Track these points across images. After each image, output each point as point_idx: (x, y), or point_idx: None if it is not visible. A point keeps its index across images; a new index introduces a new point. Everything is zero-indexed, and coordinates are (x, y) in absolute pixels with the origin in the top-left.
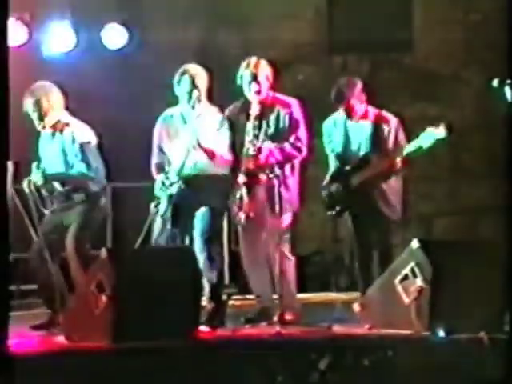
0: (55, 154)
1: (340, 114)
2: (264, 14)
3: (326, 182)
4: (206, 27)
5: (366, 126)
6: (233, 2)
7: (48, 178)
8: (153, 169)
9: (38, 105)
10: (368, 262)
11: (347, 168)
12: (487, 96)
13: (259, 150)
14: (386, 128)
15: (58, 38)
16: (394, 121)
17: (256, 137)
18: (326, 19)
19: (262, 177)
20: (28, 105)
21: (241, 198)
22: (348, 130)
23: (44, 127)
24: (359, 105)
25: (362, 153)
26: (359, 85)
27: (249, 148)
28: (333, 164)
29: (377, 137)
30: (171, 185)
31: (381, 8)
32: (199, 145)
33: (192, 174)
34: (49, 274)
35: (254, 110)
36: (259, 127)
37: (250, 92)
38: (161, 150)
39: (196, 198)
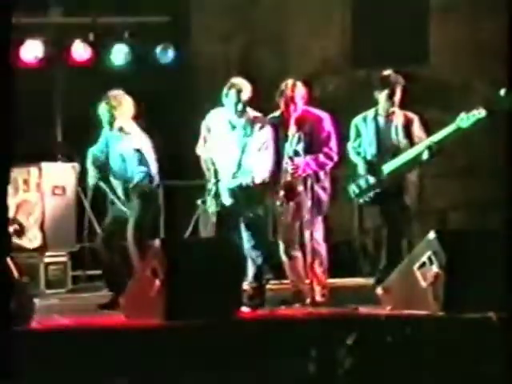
0: (117, 155)
1: (370, 112)
2: (296, 31)
3: (359, 173)
4: (246, 44)
5: (395, 121)
6: (270, 22)
7: (110, 176)
8: (202, 153)
9: (109, 110)
10: (397, 249)
11: (378, 159)
12: (495, 104)
13: (297, 166)
14: (412, 123)
15: (118, 54)
16: (416, 118)
17: (294, 153)
18: (350, 35)
19: (299, 187)
20: (101, 108)
21: (281, 204)
22: (379, 124)
23: (111, 130)
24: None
25: (392, 144)
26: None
27: (287, 163)
28: (359, 159)
29: (405, 130)
30: (217, 191)
31: (400, 25)
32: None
33: (239, 185)
34: (112, 261)
35: (292, 128)
36: (296, 143)
37: (286, 110)
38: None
39: (241, 197)
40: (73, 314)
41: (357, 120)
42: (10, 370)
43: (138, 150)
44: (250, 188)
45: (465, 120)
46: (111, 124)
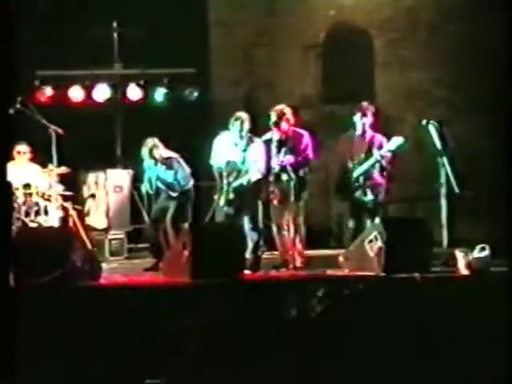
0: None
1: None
2: (283, 78)
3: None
4: (249, 87)
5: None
6: (265, 73)
7: (156, 185)
8: (214, 163)
9: (151, 152)
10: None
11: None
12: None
13: (281, 162)
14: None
15: (159, 95)
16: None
17: (279, 155)
18: (320, 81)
19: (284, 177)
20: (144, 151)
21: (272, 192)
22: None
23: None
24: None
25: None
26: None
27: (276, 162)
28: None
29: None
30: (225, 190)
31: (355, 73)
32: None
33: (240, 184)
34: (157, 237)
35: (282, 143)
36: (283, 155)
37: (275, 128)
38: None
39: (243, 193)
40: (128, 274)
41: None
42: None
43: (171, 169)
44: (247, 186)
45: (394, 143)
46: (153, 158)
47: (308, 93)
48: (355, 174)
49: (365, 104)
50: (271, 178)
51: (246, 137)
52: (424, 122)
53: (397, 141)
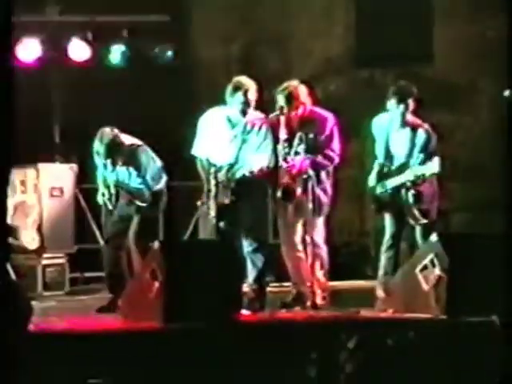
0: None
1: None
2: (299, 30)
3: (372, 180)
4: (248, 43)
5: (411, 133)
6: (272, 22)
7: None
8: (198, 153)
9: (109, 148)
10: (396, 254)
11: (390, 169)
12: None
13: (293, 165)
14: (424, 136)
15: (116, 54)
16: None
17: (294, 154)
18: (353, 35)
19: (299, 187)
20: (99, 147)
21: (280, 201)
22: (397, 134)
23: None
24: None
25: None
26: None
27: (284, 162)
28: (378, 161)
29: (422, 145)
30: (218, 187)
31: (404, 24)
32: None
33: (238, 179)
34: (116, 261)
35: (295, 128)
36: (298, 144)
37: (289, 110)
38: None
39: (241, 198)
40: (70, 316)
41: (379, 122)
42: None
43: (137, 167)
44: (248, 182)
45: (428, 169)
46: (111, 157)
47: (335, 53)
48: (390, 183)
49: (403, 83)
50: (279, 193)
51: (248, 113)
52: (508, 92)
53: (431, 168)
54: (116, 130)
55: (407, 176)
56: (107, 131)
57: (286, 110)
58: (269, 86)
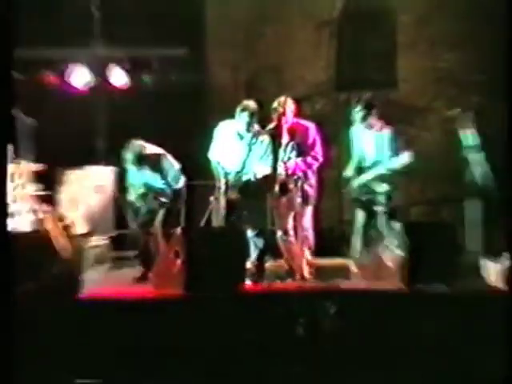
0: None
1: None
2: (293, 61)
3: (348, 175)
4: (252, 72)
5: (378, 136)
6: (271, 54)
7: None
8: (213, 157)
9: (138, 157)
10: (366, 238)
11: (363, 167)
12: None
13: (287, 168)
14: (389, 137)
15: (146, 81)
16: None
17: (288, 159)
18: (335, 66)
19: (291, 185)
20: (129, 156)
21: (277, 196)
22: (367, 138)
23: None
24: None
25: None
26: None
27: (281, 166)
28: (354, 161)
29: (388, 143)
30: (229, 186)
31: (374, 57)
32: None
33: (244, 181)
34: (146, 244)
35: (285, 137)
36: (290, 151)
37: (279, 123)
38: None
39: (245, 195)
40: (112, 285)
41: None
42: None
43: (161, 171)
44: (252, 184)
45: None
46: (140, 164)
47: (320, 79)
48: (362, 178)
49: (365, 96)
50: (276, 188)
51: (252, 130)
52: (455, 111)
53: (403, 159)
54: (142, 142)
55: (379, 170)
56: (136, 143)
57: (278, 123)
58: (268, 104)
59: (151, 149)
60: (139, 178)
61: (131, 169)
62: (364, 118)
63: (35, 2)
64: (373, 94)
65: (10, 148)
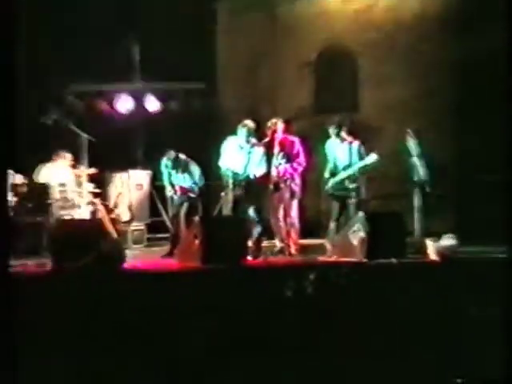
0: (181, 179)
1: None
2: (282, 92)
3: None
4: (251, 99)
5: (349, 146)
6: (266, 86)
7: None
8: (222, 164)
9: (174, 162)
10: (338, 223)
11: (337, 171)
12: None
13: (279, 171)
14: (357, 148)
15: (174, 107)
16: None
17: (279, 164)
18: (314, 95)
19: (281, 185)
20: (167, 161)
21: (271, 193)
22: (340, 149)
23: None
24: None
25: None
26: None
27: (274, 170)
28: (330, 167)
29: (357, 152)
30: (235, 185)
31: (343, 89)
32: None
33: (247, 180)
34: (174, 228)
35: (276, 148)
36: (281, 158)
37: (272, 137)
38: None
39: (249, 191)
40: (147, 259)
41: (327, 145)
42: None
43: (190, 174)
44: (252, 183)
45: (369, 159)
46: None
47: (302, 105)
48: (337, 178)
49: (338, 117)
50: (271, 187)
51: (250, 141)
52: (405, 130)
53: (372, 158)
54: (176, 152)
55: (352, 170)
56: (172, 152)
57: (271, 138)
58: (263, 124)
59: (182, 156)
60: (173, 178)
61: (168, 171)
62: (338, 134)
63: (91, 47)
64: (342, 116)
65: (69, 156)
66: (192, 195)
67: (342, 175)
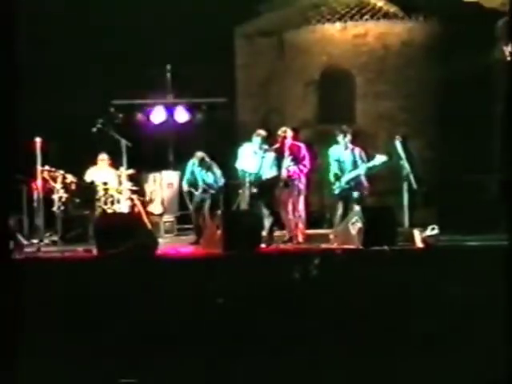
0: (202, 174)
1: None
2: (290, 105)
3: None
4: (264, 113)
5: (352, 152)
6: (276, 101)
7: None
8: (239, 166)
9: (200, 162)
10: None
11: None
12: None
13: (289, 171)
14: (358, 154)
15: (200, 118)
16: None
17: (288, 166)
18: (317, 107)
19: (290, 183)
20: (195, 161)
21: (281, 190)
22: (345, 154)
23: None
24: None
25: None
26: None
27: (284, 171)
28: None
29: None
30: (250, 184)
31: (341, 103)
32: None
33: (261, 180)
34: (198, 221)
35: (286, 152)
36: (290, 161)
37: (282, 143)
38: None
39: (262, 189)
40: (176, 247)
41: (332, 150)
42: None
43: (213, 173)
44: (264, 182)
45: (378, 160)
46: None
47: (307, 116)
48: (345, 179)
49: (344, 127)
50: (281, 186)
51: (263, 147)
52: (393, 137)
53: (381, 158)
54: (202, 153)
55: (360, 170)
56: (199, 154)
57: (281, 144)
58: (275, 132)
59: (206, 158)
60: (199, 177)
61: (195, 170)
62: (346, 143)
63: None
64: (341, 126)
65: (106, 157)
66: (212, 191)
67: (349, 176)
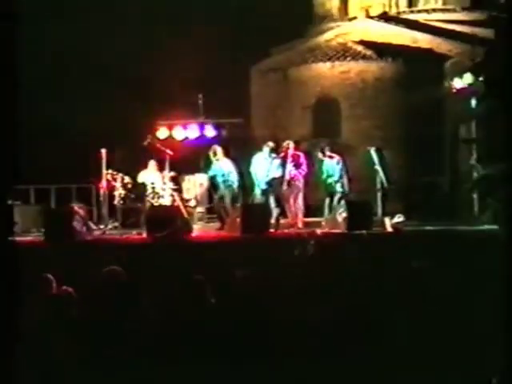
0: (221, 172)
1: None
2: (291, 123)
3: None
4: (272, 129)
5: (332, 161)
6: (282, 120)
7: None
8: (252, 170)
9: (215, 153)
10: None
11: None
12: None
13: (291, 174)
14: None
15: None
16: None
17: (290, 170)
18: (311, 127)
19: (292, 183)
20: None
21: (285, 188)
22: (327, 163)
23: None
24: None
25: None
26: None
27: (287, 174)
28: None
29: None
30: (259, 184)
31: (331, 122)
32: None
33: (268, 180)
34: (220, 211)
35: (289, 159)
36: (292, 166)
37: (285, 152)
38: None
39: (270, 187)
40: (206, 232)
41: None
42: None
43: (229, 170)
44: (272, 181)
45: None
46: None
47: (305, 132)
48: (331, 179)
49: (322, 144)
50: (285, 185)
51: (271, 155)
52: (369, 148)
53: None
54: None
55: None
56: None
57: (285, 153)
58: (280, 144)
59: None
60: (219, 172)
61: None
62: (323, 153)
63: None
64: (328, 140)
65: (153, 163)
66: (228, 183)
67: (330, 180)
